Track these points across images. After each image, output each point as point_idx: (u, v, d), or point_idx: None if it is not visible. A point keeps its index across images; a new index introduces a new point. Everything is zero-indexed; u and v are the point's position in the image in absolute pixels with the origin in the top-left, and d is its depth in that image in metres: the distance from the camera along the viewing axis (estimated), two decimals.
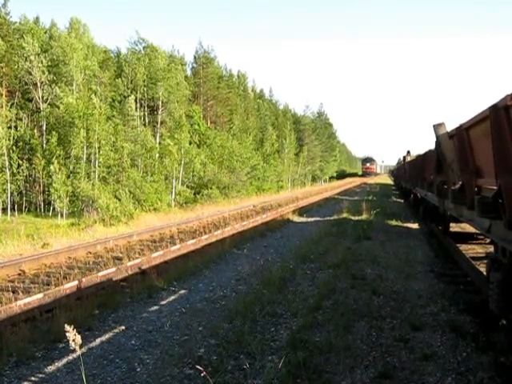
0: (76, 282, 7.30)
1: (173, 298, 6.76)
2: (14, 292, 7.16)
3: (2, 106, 28.79)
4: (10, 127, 29.04)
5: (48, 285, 7.66)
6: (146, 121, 39.88)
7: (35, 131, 31.82)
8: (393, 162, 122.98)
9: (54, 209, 29.59)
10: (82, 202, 28.03)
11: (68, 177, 29.30)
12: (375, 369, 4.11)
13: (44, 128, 31.60)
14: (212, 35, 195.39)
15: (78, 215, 25.51)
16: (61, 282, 7.61)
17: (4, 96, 29.63)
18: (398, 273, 7.62)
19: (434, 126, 6.83)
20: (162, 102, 39.28)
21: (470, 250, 9.41)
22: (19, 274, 8.47)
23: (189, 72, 48.41)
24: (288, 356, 4.25)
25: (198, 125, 42.77)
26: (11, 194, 28.88)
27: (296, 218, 17.41)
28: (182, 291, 7.10)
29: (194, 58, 48.80)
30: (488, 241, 8.15)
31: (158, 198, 31.28)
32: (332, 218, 16.57)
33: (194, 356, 4.43)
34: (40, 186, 30.92)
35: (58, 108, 30.84)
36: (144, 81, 38.33)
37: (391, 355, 4.40)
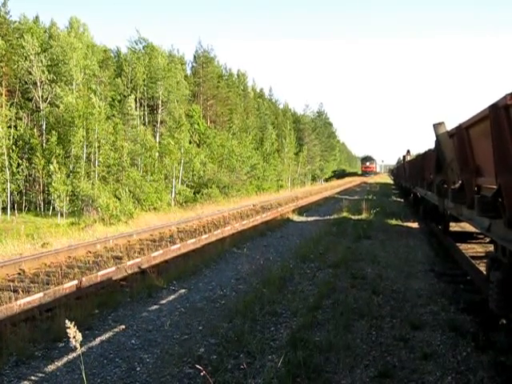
0: (76, 282, 7.30)
1: (173, 297, 6.76)
2: (13, 291, 7.16)
3: (1, 106, 28.78)
4: (9, 126, 29.05)
5: (48, 284, 7.66)
6: (146, 120, 39.90)
7: (35, 130, 31.81)
8: (393, 161, 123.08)
9: (53, 208, 29.61)
10: (82, 202, 28.05)
11: (68, 176, 29.31)
12: (375, 368, 4.11)
13: (44, 127, 31.59)
14: (212, 35, 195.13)
15: (78, 214, 25.53)
16: (61, 281, 7.61)
17: (4, 95, 29.63)
18: (397, 272, 7.62)
19: (433, 125, 6.83)
20: (162, 102, 39.28)
21: (469, 249, 9.40)
22: (19, 274, 8.46)
23: (188, 71, 48.46)
24: (288, 355, 4.25)
25: (198, 124, 42.77)
26: (11, 193, 28.88)
27: (296, 218, 17.41)
28: (182, 290, 7.10)
29: (194, 57, 48.86)
30: (488, 240, 8.15)
31: (157, 197, 31.29)
32: (332, 217, 16.58)
33: (193, 355, 4.43)
34: (40, 185, 30.92)
35: (58, 107, 30.85)
36: (144, 80, 38.33)
37: (391, 354, 4.40)
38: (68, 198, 28.18)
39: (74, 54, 32.18)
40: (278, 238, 12.36)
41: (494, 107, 3.66)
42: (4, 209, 28.20)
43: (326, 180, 78.71)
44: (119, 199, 23.87)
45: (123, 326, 5.49)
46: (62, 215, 27.63)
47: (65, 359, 4.60)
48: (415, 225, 14.03)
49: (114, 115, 34.54)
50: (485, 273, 5.80)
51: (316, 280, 7.23)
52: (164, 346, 4.81)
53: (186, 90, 41.98)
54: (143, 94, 38.97)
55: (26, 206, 30.89)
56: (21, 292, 7.05)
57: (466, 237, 9.54)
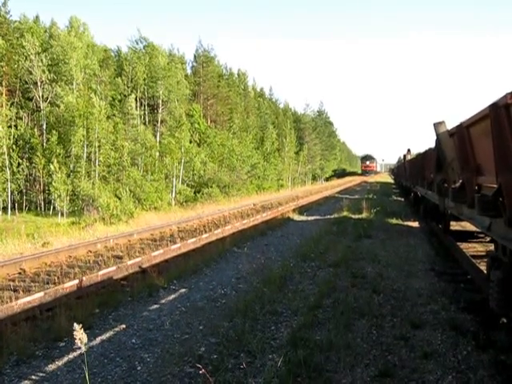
0: (76, 281, 7.31)
1: (173, 296, 6.76)
2: (14, 291, 7.16)
3: (2, 105, 28.78)
4: (10, 126, 29.05)
5: (48, 283, 7.66)
6: (147, 119, 39.90)
7: (35, 130, 31.82)
8: (393, 160, 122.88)
9: (54, 208, 29.63)
10: (83, 201, 28.07)
11: (68, 176, 29.32)
12: (375, 367, 4.11)
13: (44, 127, 31.60)
14: (212, 35, 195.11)
15: (79, 214, 25.55)
16: (61, 280, 7.62)
17: (4, 95, 29.62)
18: (398, 271, 7.62)
19: (434, 124, 6.82)
20: (162, 101, 39.27)
21: (470, 248, 9.40)
22: (19, 273, 8.47)
23: (189, 71, 48.45)
24: (288, 354, 4.25)
25: (198, 123, 42.76)
26: (11, 193, 28.90)
27: (296, 217, 17.41)
28: (183, 290, 7.10)
29: (194, 56, 48.85)
30: (488, 239, 8.15)
31: (158, 196, 31.31)
32: (332, 216, 16.57)
33: (194, 354, 4.43)
34: (40, 184, 30.94)
35: (58, 107, 30.86)
36: (144, 79, 38.33)
37: (391, 353, 4.39)
38: (68, 198, 28.20)
39: (75, 54, 32.18)
40: (279, 237, 12.36)
41: (494, 106, 3.66)
42: (4, 208, 28.21)
43: (327, 179, 78.69)
44: (120, 199, 23.89)
45: (124, 326, 5.50)
46: (62, 215, 27.65)
47: (65, 359, 4.60)
48: (416, 224, 14.02)
49: (114, 115, 34.54)
50: (485, 272, 5.80)
51: (316, 279, 7.23)
52: (164, 346, 4.81)
53: (186, 89, 41.97)
54: (143, 93, 38.97)
55: (26, 206, 30.90)
56: (21, 291, 7.06)
57: (467, 236, 9.54)
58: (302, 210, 19.96)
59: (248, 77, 61.63)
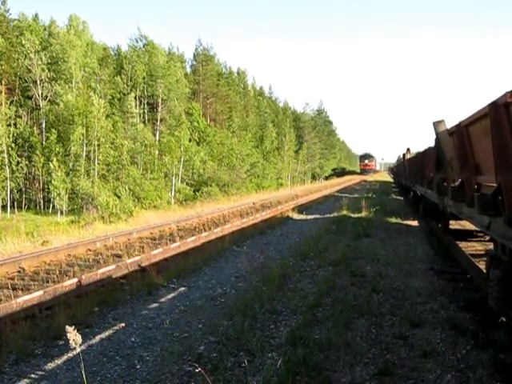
0: (76, 280, 7.31)
1: (172, 295, 6.76)
2: (13, 289, 7.16)
3: (1, 104, 28.74)
4: (9, 125, 29.02)
5: (48, 282, 7.66)
6: (146, 118, 39.87)
7: (35, 129, 31.79)
8: (392, 159, 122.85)
9: (53, 206, 29.63)
10: (82, 200, 28.06)
11: (67, 174, 29.31)
12: (375, 366, 4.11)
13: (43, 125, 31.58)
14: (211, 34, 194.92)
15: (78, 213, 25.54)
16: (61, 279, 7.62)
17: (3, 93, 29.58)
18: (397, 270, 7.62)
19: (433, 123, 6.82)
20: (162, 100, 39.23)
21: (469, 247, 9.40)
22: (19, 272, 8.46)
23: (188, 69, 48.41)
24: (288, 353, 4.25)
25: (198, 122, 42.75)
26: (11, 191, 28.88)
27: (296, 216, 17.41)
28: (182, 288, 7.10)
29: (194, 55, 48.84)
30: (488, 238, 8.14)
31: (157, 195, 31.31)
32: (331, 215, 16.58)
33: (193, 353, 4.44)
34: (39, 183, 30.94)
35: (58, 105, 30.83)
36: (144, 78, 38.28)
37: (391, 352, 4.40)
38: (68, 196, 28.19)
39: (74, 52, 32.14)
40: (278, 236, 12.36)
41: (493, 105, 3.65)
42: (4, 207, 28.21)
43: (326, 178, 78.71)
44: (119, 197, 23.88)
45: (123, 324, 5.50)
46: (61, 213, 27.64)
47: (65, 357, 4.60)
48: (415, 223, 14.03)
49: (113, 113, 34.52)
50: (484, 271, 5.80)
51: (316, 278, 7.24)
52: (164, 344, 4.81)
53: (185, 88, 41.93)
54: (143, 91, 38.93)
55: (25, 204, 30.89)
56: (20, 290, 7.06)
57: (466, 235, 9.53)
58: (301, 208, 19.96)
59: (247, 75, 61.70)
